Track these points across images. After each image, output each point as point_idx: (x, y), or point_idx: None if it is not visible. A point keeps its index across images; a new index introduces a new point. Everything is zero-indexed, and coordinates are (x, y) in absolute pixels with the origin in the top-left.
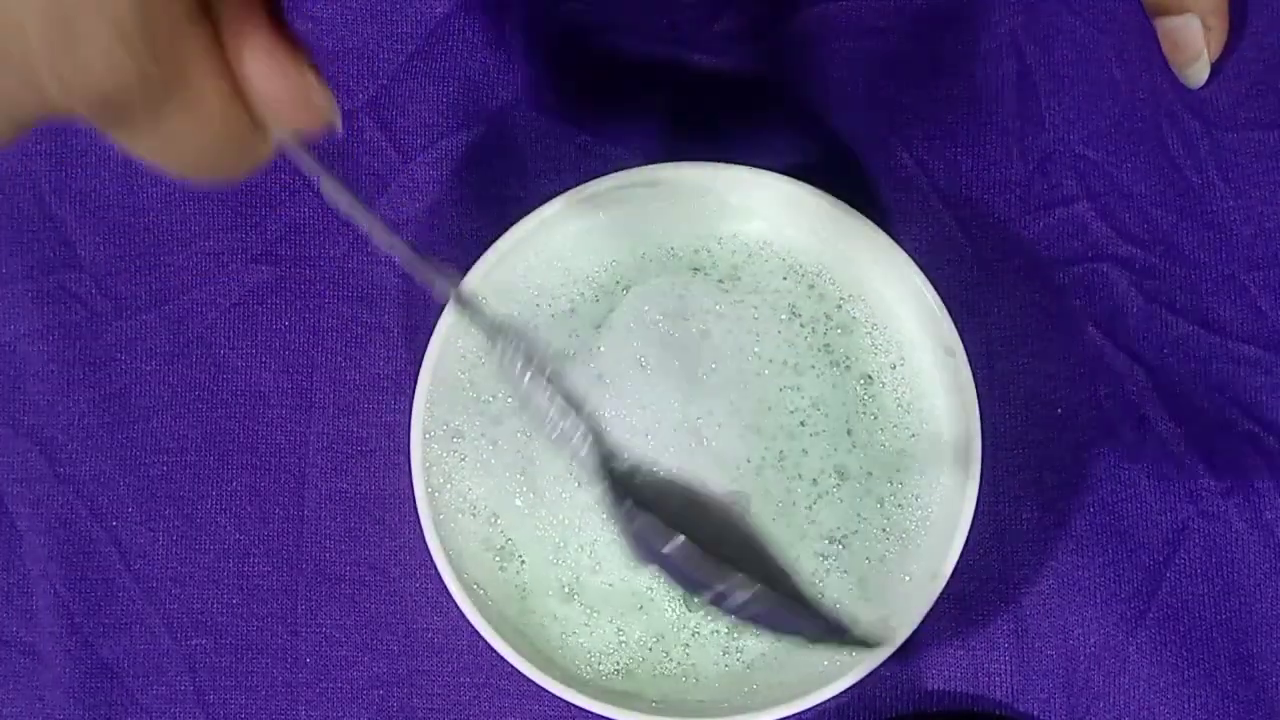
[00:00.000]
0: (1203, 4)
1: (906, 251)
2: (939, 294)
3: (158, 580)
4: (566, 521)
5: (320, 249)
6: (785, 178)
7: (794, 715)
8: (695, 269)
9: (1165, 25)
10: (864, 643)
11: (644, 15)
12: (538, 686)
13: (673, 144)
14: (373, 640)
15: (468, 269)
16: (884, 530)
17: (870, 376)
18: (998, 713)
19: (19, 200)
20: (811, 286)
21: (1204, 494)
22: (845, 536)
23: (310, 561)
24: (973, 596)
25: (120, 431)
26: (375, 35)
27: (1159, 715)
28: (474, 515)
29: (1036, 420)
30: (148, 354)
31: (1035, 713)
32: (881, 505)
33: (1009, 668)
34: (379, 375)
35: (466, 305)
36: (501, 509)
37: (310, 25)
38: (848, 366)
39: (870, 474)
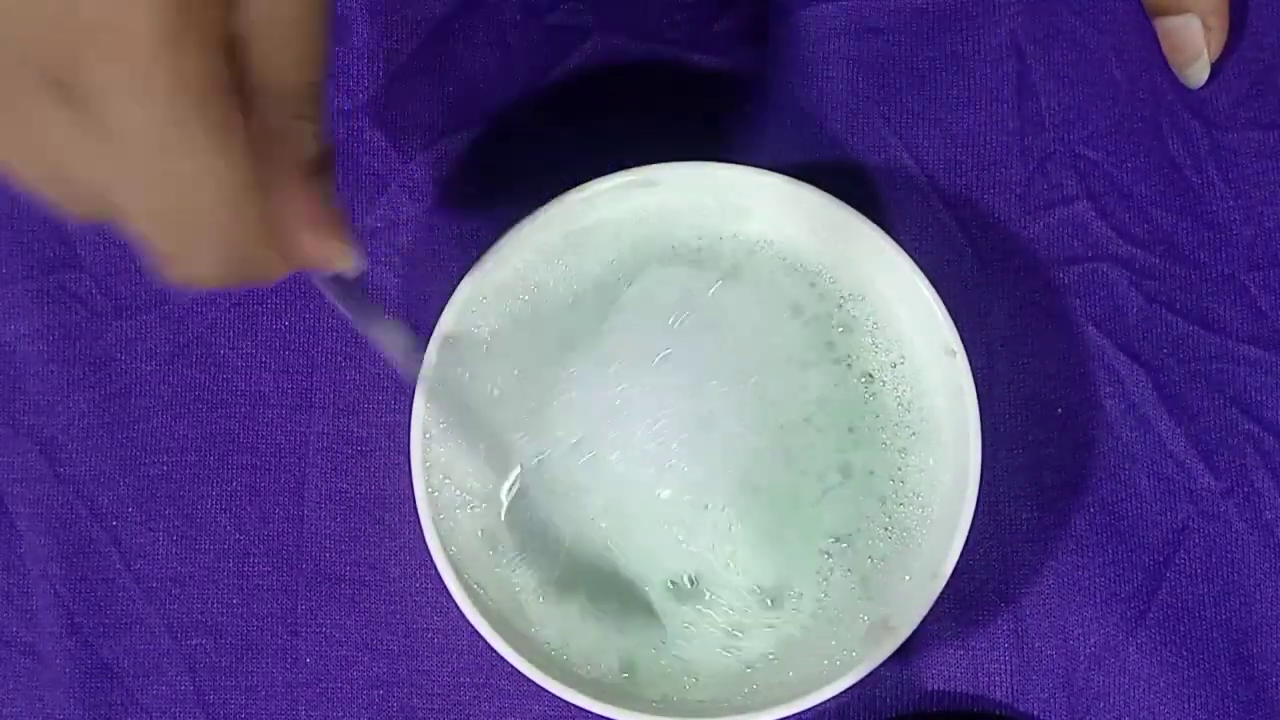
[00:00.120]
0: (1203, 4)
1: (906, 251)
2: (939, 294)
3: (158, 580)
4: (567, 522)
5: None
6: (785, 178)
7: (794, 715)
8: (697, 266)
9: (1165, 25)
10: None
11: (644, 15)
12: (538, 686)
13: (673, 144)
14: (373, 640)
15: (469, 266)
16: (885, 529)
17: (871, 375)
18: (998, 713)
19: (19, 200)
20: (812, 285)
21: (1204, 494)
22: (849, 535)
23: (310, 561)
24: (973, 596)
25: (120, 431)
26: (375, 35)
27: (1159, 715)
28: (474, 515)
29: (1036, 420)
30: (148, 354)
31: (1035, 713)
32: (883, 504)
33: (1009, 668)
34: (379, 375)
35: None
36: (502, 507)
37: None
38: (849, 365)
39: (872, 472)
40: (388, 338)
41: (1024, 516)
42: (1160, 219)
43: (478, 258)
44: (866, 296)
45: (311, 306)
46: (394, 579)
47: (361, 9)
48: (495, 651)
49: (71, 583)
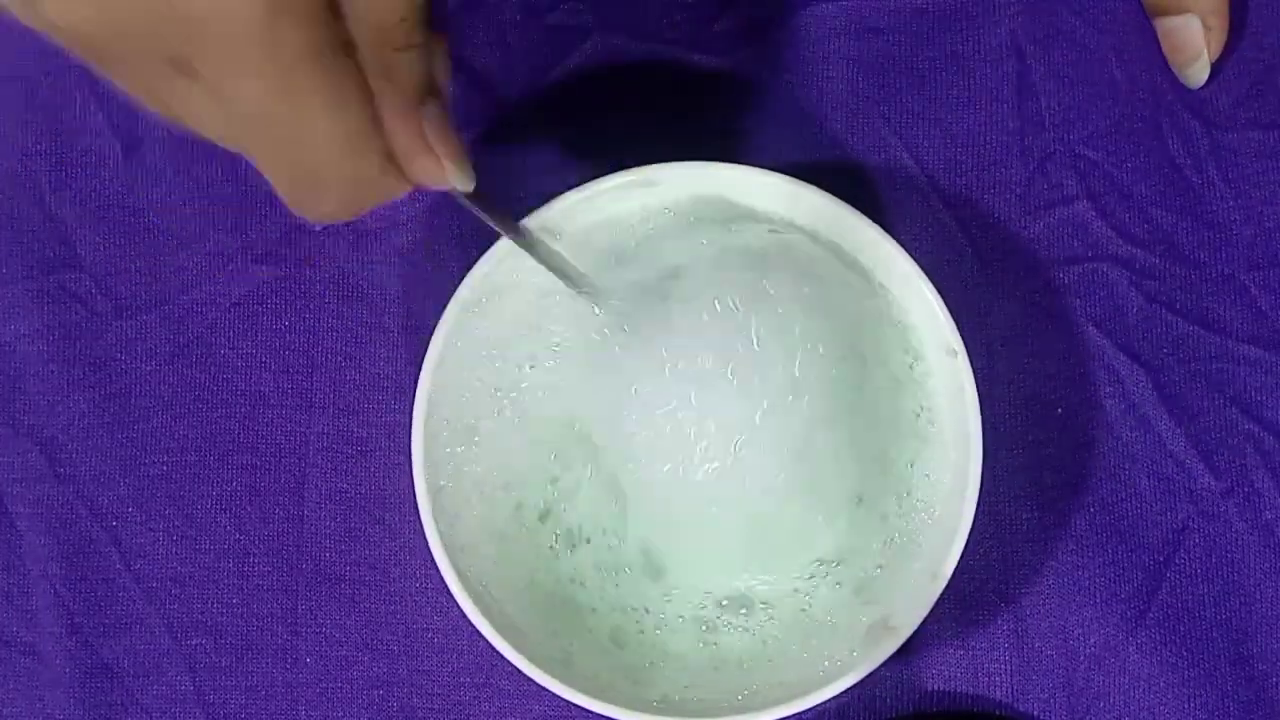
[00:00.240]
0: (1203, 4)
1: (907, 251)
2: (939, 294)
3: (158, 580)
4: (568, 522)
5: (320, 249)
6: (785, 177)
7: (794, 715)
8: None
9: (1165, 25)
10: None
11: (644, 15)
12: (538, 686)
13: (673, 144)
14: (373, 640)
15: (469, 266)
16: (885, 543)
17: (900, 380)
18: (998, 713)
19: (19, 200)
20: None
21: (1204, 494)
22: (845, 558)
23: (310, 561)
24: (973, 596)
25: (120, 431)
26: None
27: (1159, 715)
28: (474, 514)
29: (1036, 420)
30: (148, 354)
31: (1035, 713)
32: (885, 520)
33: (1009, 668)
34: (379, 375)
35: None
36: (502, 507)
37: None
38: (882, 364)
39: (882, 494)
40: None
41: (1024, 516)
42: (1160, 219)
43: (478, 258)
44: (876, 295)
45: (311, 306)
46: (394, 579)
47: None
48: (495, 651)
49: (71, 583)
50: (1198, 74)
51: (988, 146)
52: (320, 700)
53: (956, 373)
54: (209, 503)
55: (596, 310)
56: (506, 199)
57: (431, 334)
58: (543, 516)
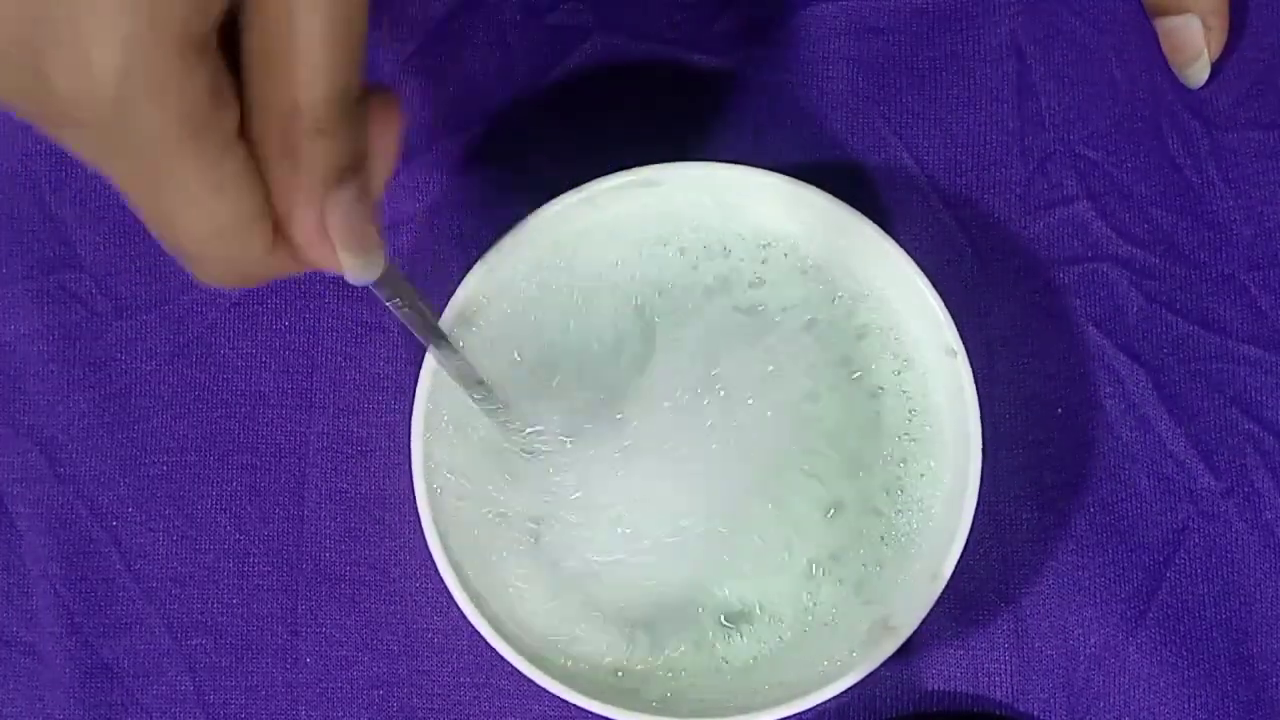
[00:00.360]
0: (1203, 4)
1: (907, 251)
2: (939, 294)
3: (158, 580)
4: (569, 522)
5: None
6: (785, 178)
7: (794, 715)
8: (705, 269)
9: (1165, 25)
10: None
11: (644, 15)
12: (538, 686)
13: (673, 144)
14: (373, 640)
15: (469, 266)
16: (883, 538)
17: (882, 388)
18: (998, 713)
19: (19, 200)
20: (823, 287)
21: (1204, 494)
22: (842, 553)
23: (310, 561)
24: (973, 596)
25: (120, 431)
26: (375, 35)
27: (1159, 715)
28: (474, 514)
29: (1036, 420)
30: (148, 354)
31: (1035, 713)
32: (880, 516)
33: (1009, 668)
34: (379, 375)
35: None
36: (502, 507)
37: None
38: (860, 380)
39: (870, 493)
40: (432, 335)
41: (1024, 516)
42: (1160, 219)
43: (478, 258)
44: (870, 296)
45: (311, 307)
46: (394, 579)
47: None
48: (495, 651)
49: (71, 583)
50: (1198, 74)
51: (988, 146)
52: (320, 700)
53: (956, 373)
54: (209, 503)
55: (526, 431)
56: (507, 199)
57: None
58: (537, 520)
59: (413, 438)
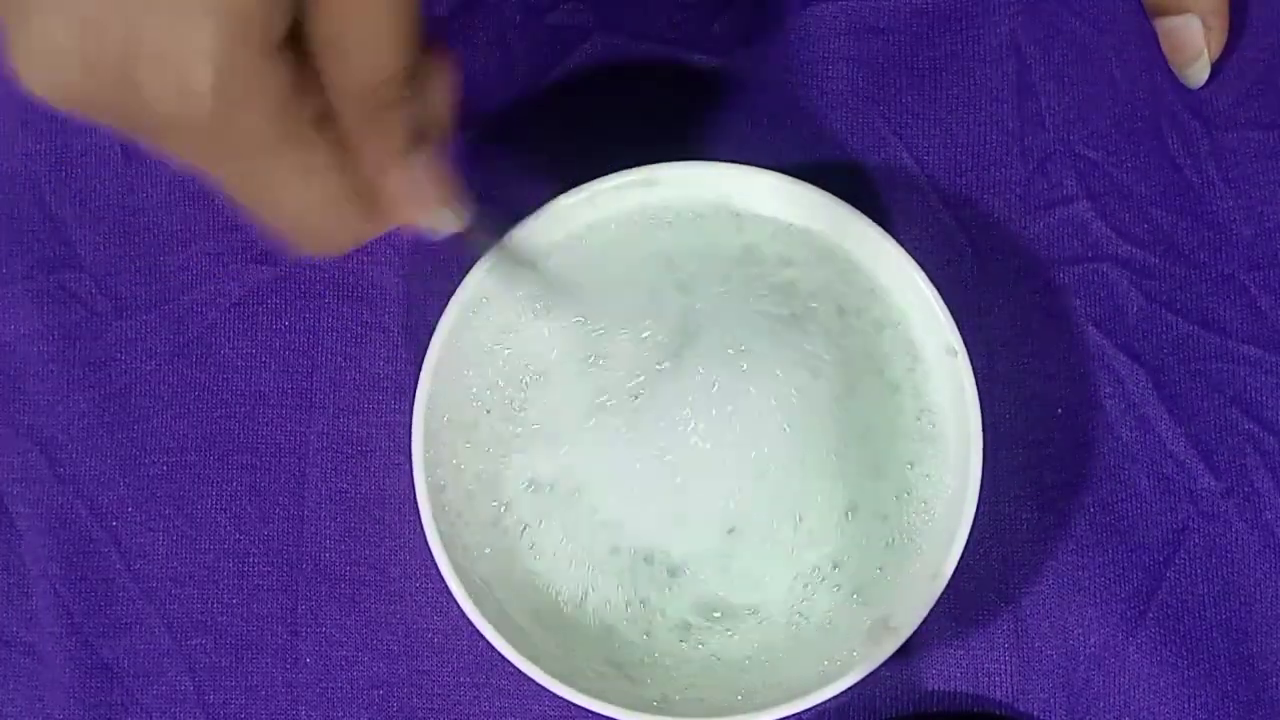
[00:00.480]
0: (1203, 4)
1: (907, 251)
2: (939, 294)
3: (158, 580)
4: (569, 522)
5: None
6: (786, 177)
7: (794, 715)
8: (709, 269)
9: (1165, 25)
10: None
11: (644, 15)
12: (538, 686)
13: (673, 144)
14: (373, 640)
15: (469, 266)
16: (886, 544)
17: (898, 386)
18: (998, 713)
19: (19, 200)
20: (829, 283)
21: (1204, 494)
22: (842, 562)
23: (310, 561)
24: (973, 596)
25: (120, 431)
26: None
27: (1159, 715)
28: (475, 514)
29: (1036, 420)
30: (148, 354)
31: (1035, 713)
32: (885, 520)
33: (1009, 668)
34: (379, 375)
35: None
36: (502, 508)
37: None
38: (880, 374)
39: (881, 499)
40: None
41: (1024, 516)
42: (1160, 219)
43: (478, 258)
44: (874, 293)
45: (312, 306)
46: (394, 579)
47: None
48: (495, 651)
49: (71, 583)
50: (1198, 74)
51: (988, 146)
52: (320, 700)
53: (956, 373)
54: (209, 503)
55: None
56: (507, 199)
57: (431, 334)
58: (538, 518)
59: (413, 438)
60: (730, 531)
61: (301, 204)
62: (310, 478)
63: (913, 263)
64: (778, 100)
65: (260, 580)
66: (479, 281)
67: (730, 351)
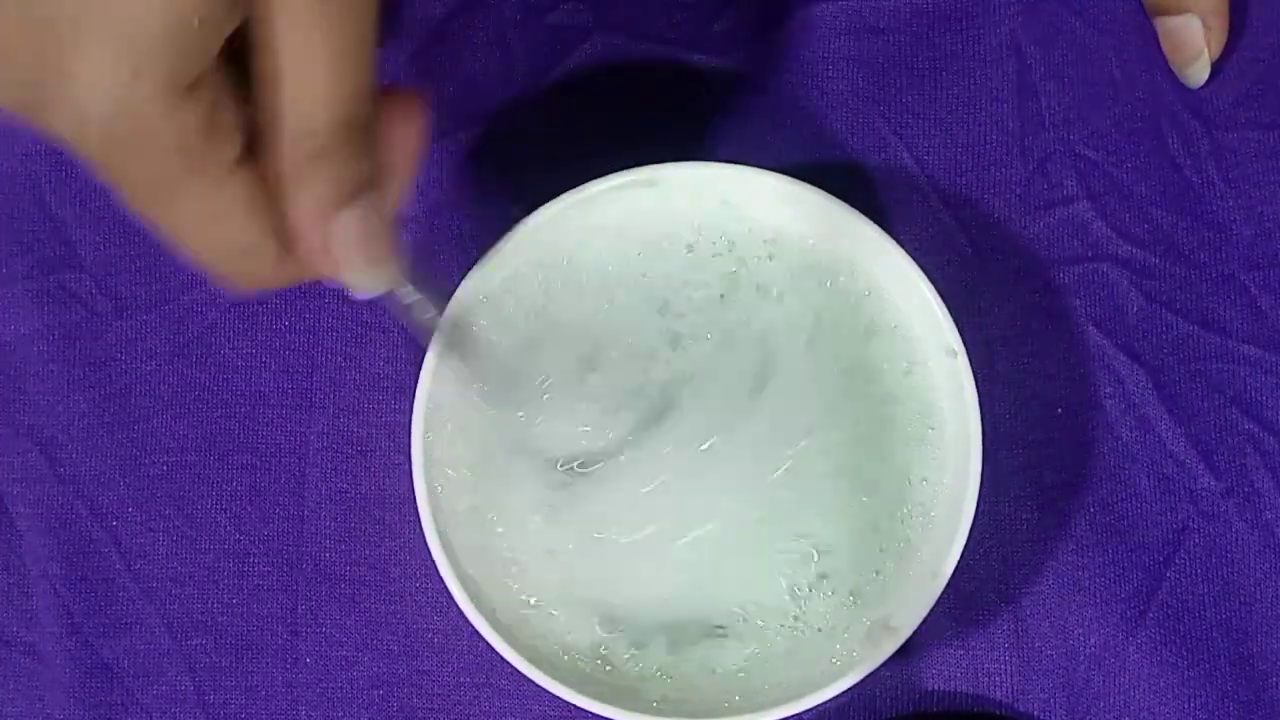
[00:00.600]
0: (1203, 4)
1: (907, 251)
2: (939, 294)
3: (158, 580)
4: (568, 522)
5: None
6: (785, 177)
7: (794, 715)
8: (709, 268)
9: (1165, 25)
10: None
11: (644, 15)
12: (538, 686)
13: (673, 144)
14: (373, 640)
15: (470, 266)
16: (881, 550)
17: (893, 395)
18: (998, 713)
19: (19, 200)
20: (827, 285)
21: (1204, 494)
22: (834, 573)
23: (310, 561)
24: (973, 596)
25: (120, 431)
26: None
27: (1159, 715)
28: (474, 514)
29: (1036, 420)
30: (148, 354)
31: (1035, 713)
32: (877, 530)
33: (1009, 668)
34: (379, 375)
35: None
36: (502, 509)
37: None
38: (871, 387)
39: (874, 513)
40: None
41: (1024, 516)
42: (1160, 219)
43: (478, 258)
44: (872, 294)
45: (312, 307)
46: (394, 579)
47: None
48: (495, 651)
49: (71, 583)
50: (1198, 74)
51: (988, 146)
52: (320, 700)
53: (956, 373)
54: (209, 503)
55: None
56: (507, 199)
57: (432, 335)
58: (538, 519)
59: (413, 438)
60: (723, 545)
61: (205, 246)
62: (310, 478)
63: (913, 263)
64: (778, 100)
65: (260, 580)
66: (479, 281)
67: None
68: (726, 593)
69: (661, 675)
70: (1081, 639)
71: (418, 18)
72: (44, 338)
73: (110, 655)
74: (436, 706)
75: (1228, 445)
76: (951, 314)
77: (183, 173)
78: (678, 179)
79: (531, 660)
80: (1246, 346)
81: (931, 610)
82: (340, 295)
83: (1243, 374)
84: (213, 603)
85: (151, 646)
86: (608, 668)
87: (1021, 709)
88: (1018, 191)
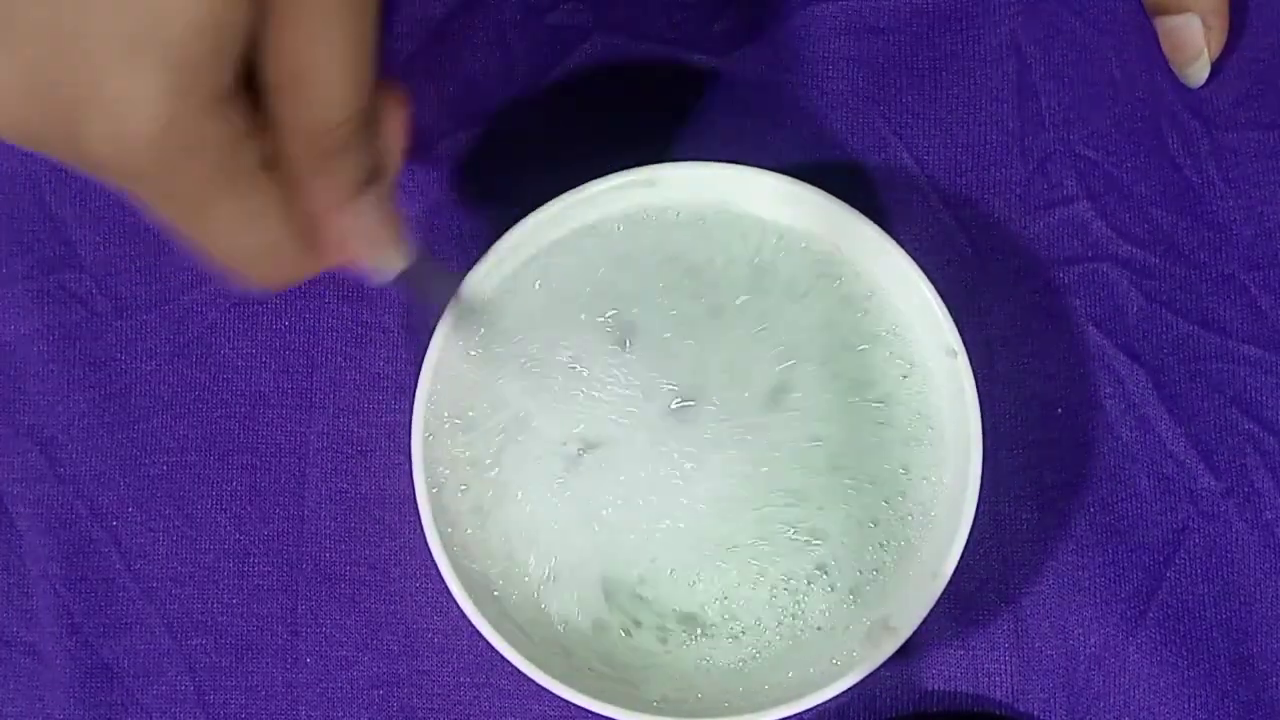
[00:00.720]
0: (1203, 3)
1: (907, 251)
2: (939, 294)
3: (158, 580)
4: (568, 522)
5: None
6: (785, 177)
7: (794, 715)
8: (709, 269)
9: (1165, 25)
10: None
11: (644, 15)
12: (538, 686)
13: (673, 144)
14: (373, 640)
15: (470, 266)
16: (881, 545)
17: (891, 395)
18: (998, 713)
19: (19, 200)
20: (826, 286)
21: (1204, 494)
22: (830, 568)
23: (310, 561)
24: (973, 596)
25: (120, 431)
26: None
27: (1159, 715)
28: (475, 514)
29: (1036, 420)
30: (148, 354)
31: (1035, 713)
32: (877, 526)
33: (1009, 668)
34: (379, 375)
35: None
36: (502, 508)
37: None
38: (867, 390)
39: (873, 507)
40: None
41: (1024, 516)
42: (1160, 219)
43: (478, 258)
44: (874, 295)
45: (312, 307)
46: (394, 579)
47: None
48: (495, 651)
49: (71, 583)
50: (1198, 73)
51: (988, 146)
52: (320, 700)
53: (956, 373)
54: (209, 503)
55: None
56: (507, 199)
57: (431, 334)
58: (537, 517)
59: (413, 438)
60: (720, 541)
61: (240, 245)
62: (310, 478)
63: (913, 263)
64: (778, 100)
65: (260, 580)
66: (479, 281)
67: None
68: (723, 589)
69: (662, 670)
70: (1081, 639)
71: (418, 18)
72: (44, 338)
73: (110, 655)
74: (436, 706)
75: (1228, 445)
76: (951, 314)
77: (221, 180)
78: (678, 179)
79: (532, 659)
80: (1246, 346)
81: (931, 610)
82: (340, 295)
83: (1243, 374)
84: (213, 603)
85: (151, 646)
86: (608, 667)
87: (1021, 709)
88: (1018, 191)
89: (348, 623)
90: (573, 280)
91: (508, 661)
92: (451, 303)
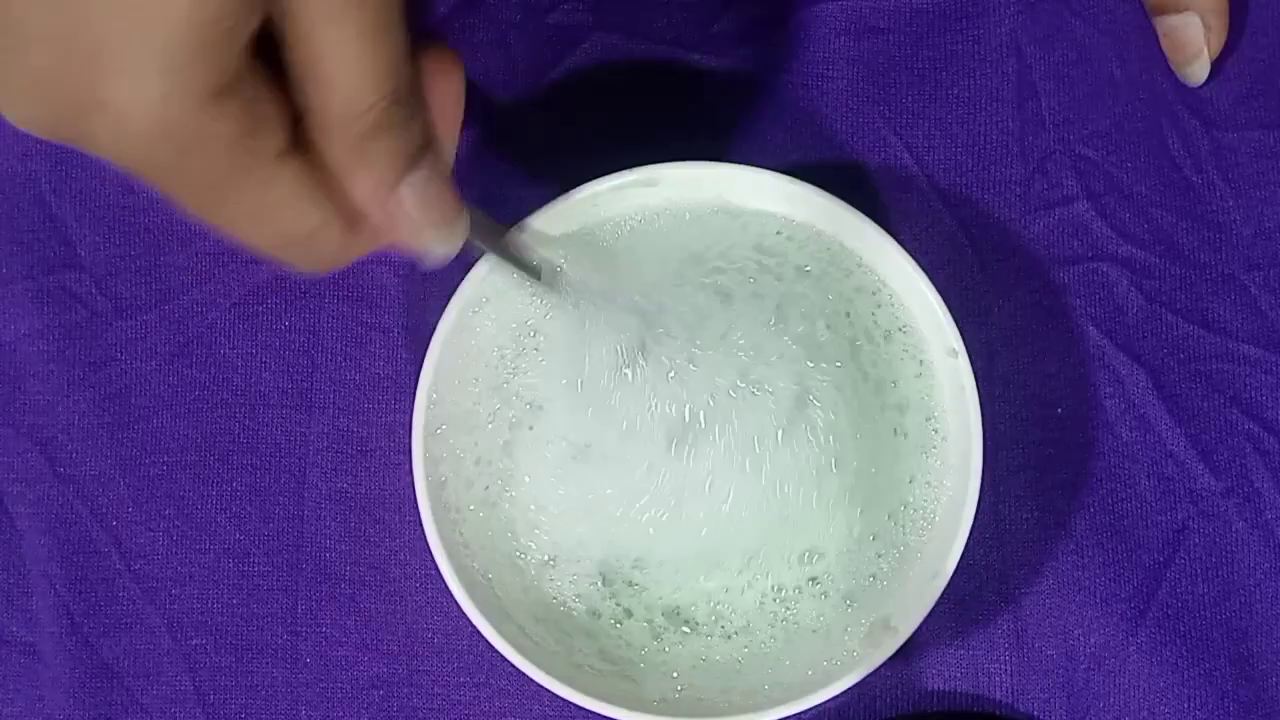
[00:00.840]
0: (1203, 3)
1: (907, 251)
2: (939, 294)
3: (158, 580)
4: (568, 522)
5: None
6: (786, 177)
7: (794, 715)
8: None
9: (1165, 24)
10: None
11: (644, 15)
12: (538, 686)
13: (673, 144)
14: (373, 640)
15: (470, 266)
16: (879, 555)
17: (906, 400)
18: (998, 713)
19: (19, 200)
20: (827, 286)
21: (1204, 494)
22: (824, 577)
23: (310, 561)
24: (973, 596)
25: (120, 431)
26: None
27: (1159, 715)
28: (475, 513)
29: (1036, 420)
30: (148, 354)
31: (1035, 713)
32: (876, 538)
33: (1009, 668)
34: (379, 375)
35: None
36: (503, 506)
37: None
38: (882, 394)
39: (875, 521)
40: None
41: (1024, 516)
42: (1160, 219)
43: (478, 258)
44: (878, 294)
45: (311, 306)
46: (394, 579)
47: None
48: (495, 651)
49: (71, 583)
50: (1198, 73)
51: (988, 146)
52: (320, 700)
53: (957, 373)
54: (209, 503)
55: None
56: (507, 199)
57: (431, 334)
58: (537, 516)
59: (413, 437)
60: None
61: (269, 234)
62: (310, 478)
63: (914, 263)
64: (778, 100)
65: (260, 580)
66: (479, 281)
67: (732, 372)
68: (720, 586)
69: (661, 669)
70: (1081, 639)
71: (417, 18)
72: (44, 338)
73: (110, 655)
74: (436, 706)
75: (1228, 445)
76: (952, 314)
77: (233, 173)
78: (678, 179)
79: (532, 660)
80: (1246, 346)
81: (931, 610)
82: (340, 295)
83: (1243, 374)
84: (213, 603)
85: (151, 646)
86: (608, 665)
87: (1021, 709)
88: (1018, 191)
89: (348, 623)
90: (574, 281)
91: (508, 661)
92: (545, 272)
